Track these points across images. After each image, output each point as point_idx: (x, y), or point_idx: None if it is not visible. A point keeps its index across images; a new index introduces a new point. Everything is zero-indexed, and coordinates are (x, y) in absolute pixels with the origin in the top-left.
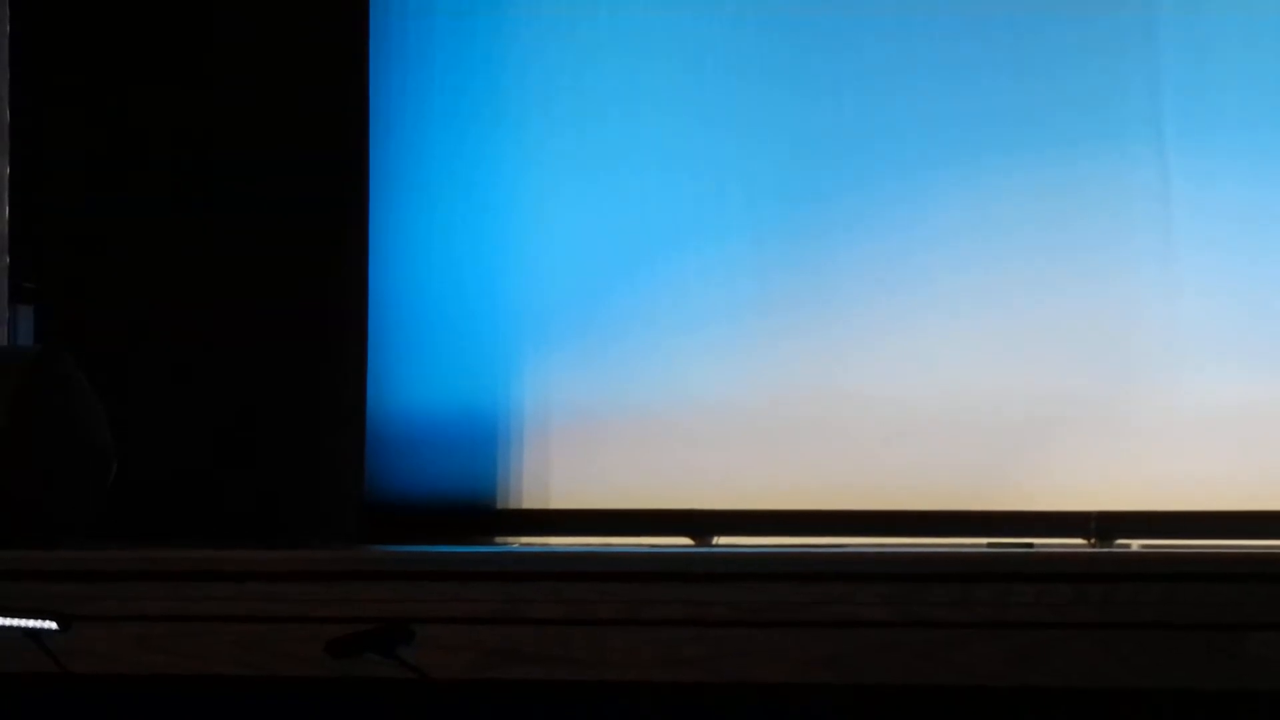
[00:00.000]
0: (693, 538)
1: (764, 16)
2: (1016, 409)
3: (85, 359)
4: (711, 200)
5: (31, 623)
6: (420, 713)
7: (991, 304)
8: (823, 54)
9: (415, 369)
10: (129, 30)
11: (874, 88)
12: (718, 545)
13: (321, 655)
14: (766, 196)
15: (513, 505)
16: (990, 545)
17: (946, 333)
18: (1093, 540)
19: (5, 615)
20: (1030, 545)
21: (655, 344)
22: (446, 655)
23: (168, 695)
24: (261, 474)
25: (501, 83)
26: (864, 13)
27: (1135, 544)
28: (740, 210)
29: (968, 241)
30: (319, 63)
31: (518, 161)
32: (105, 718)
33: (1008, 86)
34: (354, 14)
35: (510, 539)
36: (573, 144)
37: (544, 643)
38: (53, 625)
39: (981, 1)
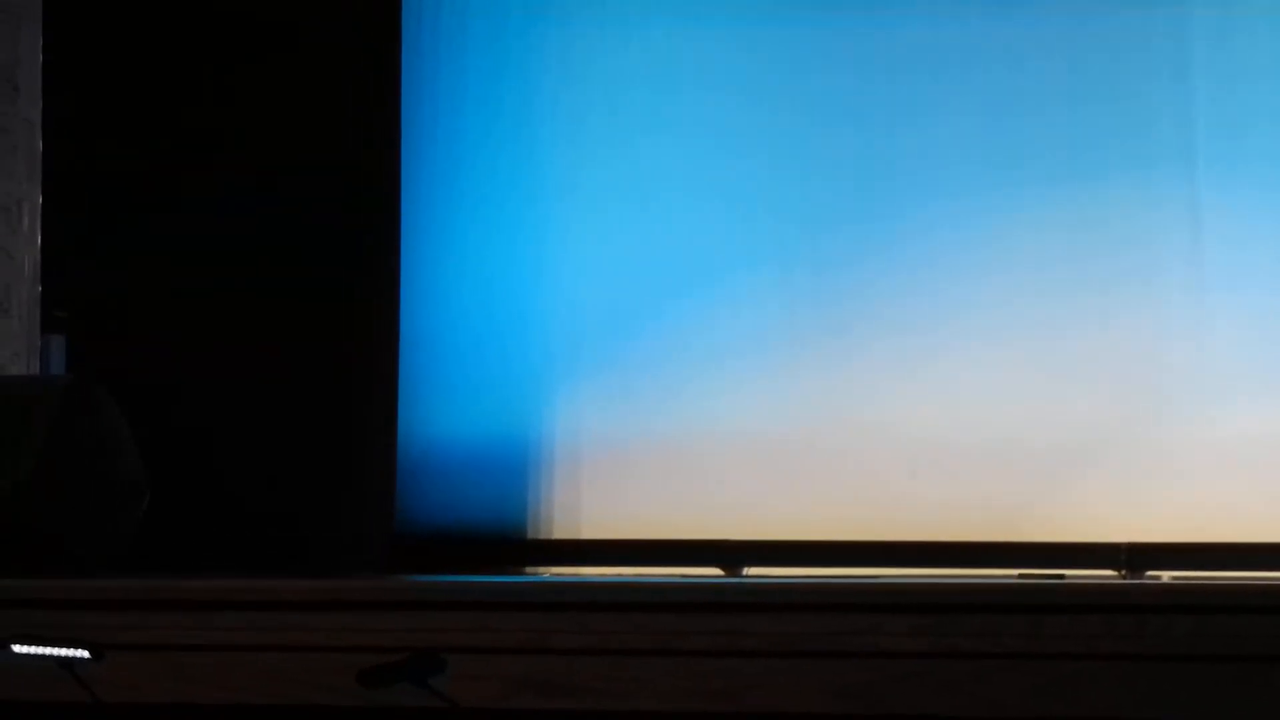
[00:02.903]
0: (722, 568)
1: (794, 47)
2: (1047, 440)
3: (116, 388)
4: (741, 231)
5: (65, 652)
6: None
7: (1022, 335)
8: (852, 86)
9: (446, 400)
10: (160, 62)
11: (904, 120)
12: (747, 576)
13: (353, 685)
14: (795, 227)
15: (543, 535)
16: (1021, 576)
17: (977, 364)
18: (1123, 572)
19: (39, 645)
20: (1061, 576)
21: (685, 375)
22: (477, 685)
23: None
24: (293, 504)
25: (532, 113)
26: (893, 44)
27: (1166, 575)
28: (770, 241)
29: (998, 273)
30: (353, 97)
31: (548, 192)
32: None
33: (1038, 119)
34: (386, 49)
35: (540, 569)
36: (603, 174)
37: (574, 673)
38: (86, 655)
39: (1012, 35)
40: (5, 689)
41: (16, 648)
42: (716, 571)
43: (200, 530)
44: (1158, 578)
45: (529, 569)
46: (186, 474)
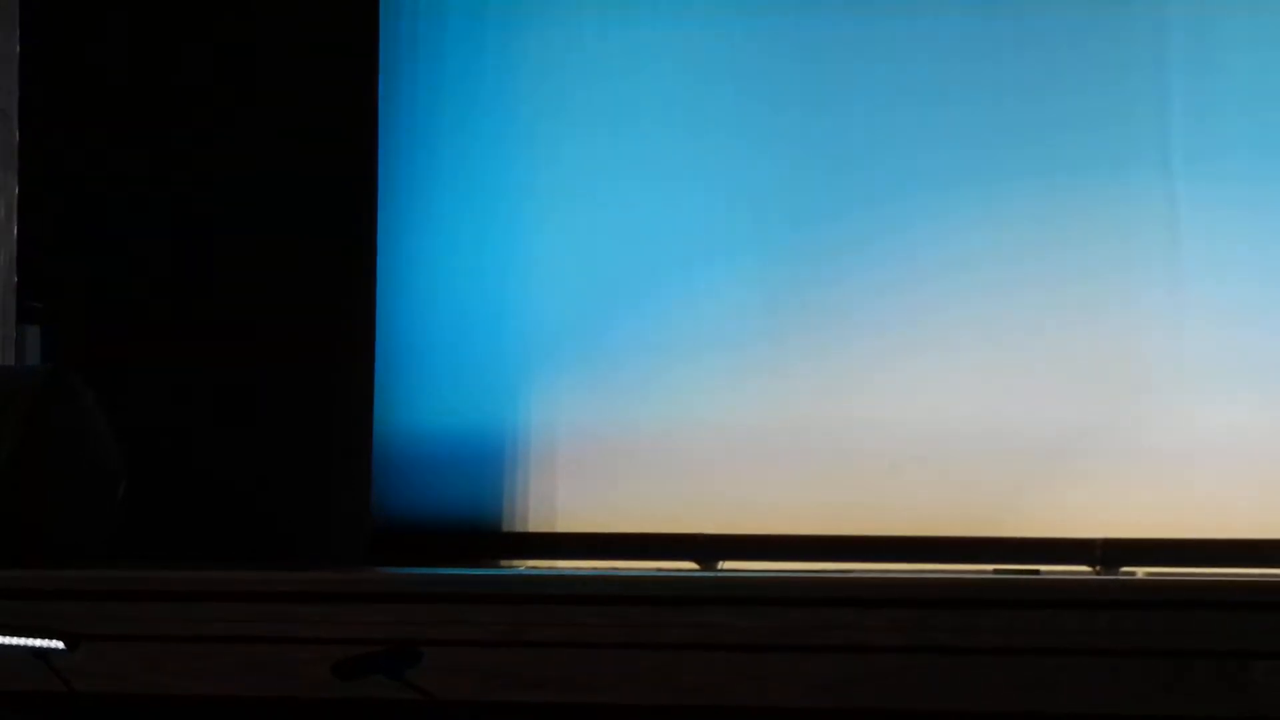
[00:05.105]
0: (698, 562)
1: (774, 38)
2: (1023, 436)
3: (92, 379)
4: (720, 224)
5: (39, 642)
6: None
7: (999, 330)
8: (832, 77)
9: (423, 392)
10: (137, 53)
11: (883, 113)
12: (723, 569)
13: (329, 677)
14: (775, 220)
15: (519, 528)
16: (996, 571)
17: (953, 359)
18: (1098, 567)
19: (13, 634)
20: (1036, 572)
21: (662, 367)
22: (453, 678)
23: (174, 715)
24: (270, 496)
25: (509, 106)
26: (874, 36)
27: (1140, 571)
28: (748, 234)
29: (976, 268)
30: (328, 89)
31: (525, 185)
32: None
33: (1015, 114)
34: (364, 37)
35: (516, 562)
36: (580, 167)
37: (550, 666)
38: (60, 645)
39: (990, 28)
40: None
41: None
42: (692, 565)
43: (177, 522)
44: (1133, 573)
45: (505, 562)
46: (163, 465)
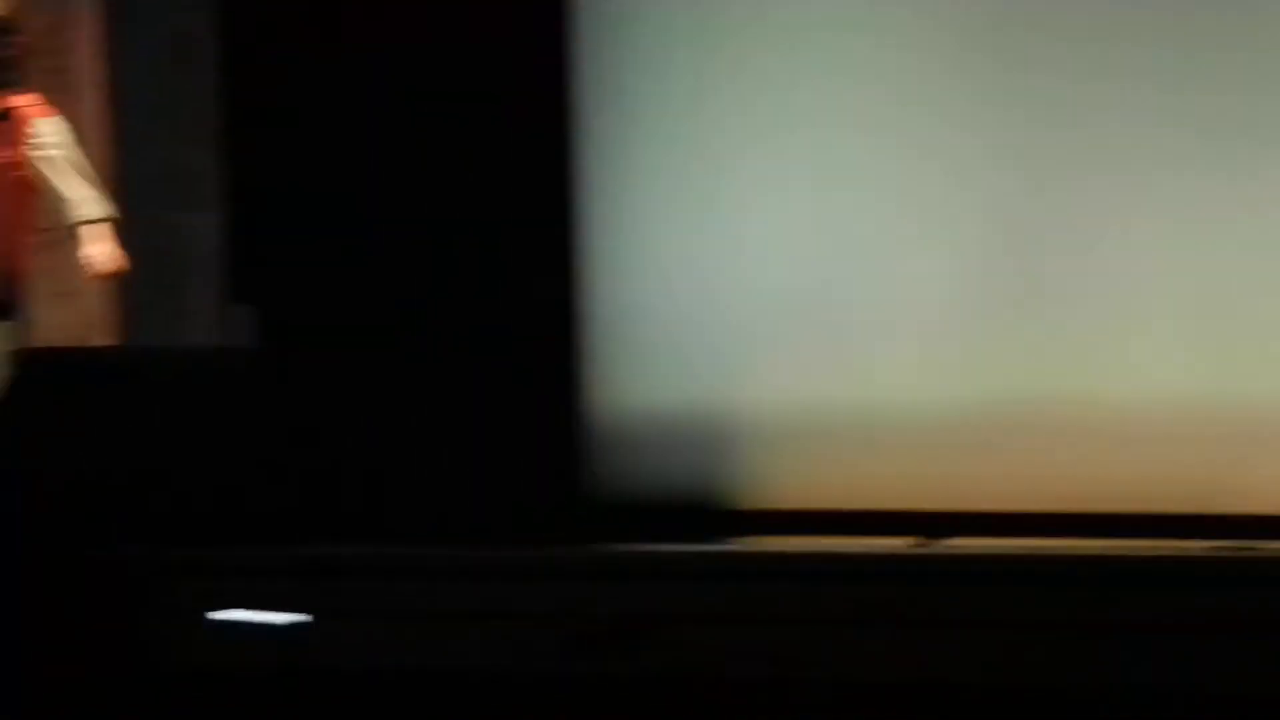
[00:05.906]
0: (923, 538)
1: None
2: (1242, 412)
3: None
4: (937, 206)
5: (276, 618)
6: (655, 712)
7: (1220, 305)
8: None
9: (638, 369)
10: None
11: (1087, 101)
12: (947, 546)
13: (559, 652)
14: (995, 203)
15: (743, 506)
16: (1216, 548)
17: (1174, 334)
18: None
19: (251, 610)
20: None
21: (881, 347)
22: (681, 654)
23: (408, 690)
24: (493, 475)
25: (720, 83)
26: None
27: None
28: (966, 217)
29: (1192, 242)
30: (528, 67)
31: (739, 159)
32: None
33: (1213, 90)
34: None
35: (739, 539)
36: (799, 143)
37: (777, 643)
38: (298, 620)
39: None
40: (232, 655)
41: (238, 614)
42: (916, 542)
43: (404, 501)
44: None
45: (727, 539)
46: (395, 450)
